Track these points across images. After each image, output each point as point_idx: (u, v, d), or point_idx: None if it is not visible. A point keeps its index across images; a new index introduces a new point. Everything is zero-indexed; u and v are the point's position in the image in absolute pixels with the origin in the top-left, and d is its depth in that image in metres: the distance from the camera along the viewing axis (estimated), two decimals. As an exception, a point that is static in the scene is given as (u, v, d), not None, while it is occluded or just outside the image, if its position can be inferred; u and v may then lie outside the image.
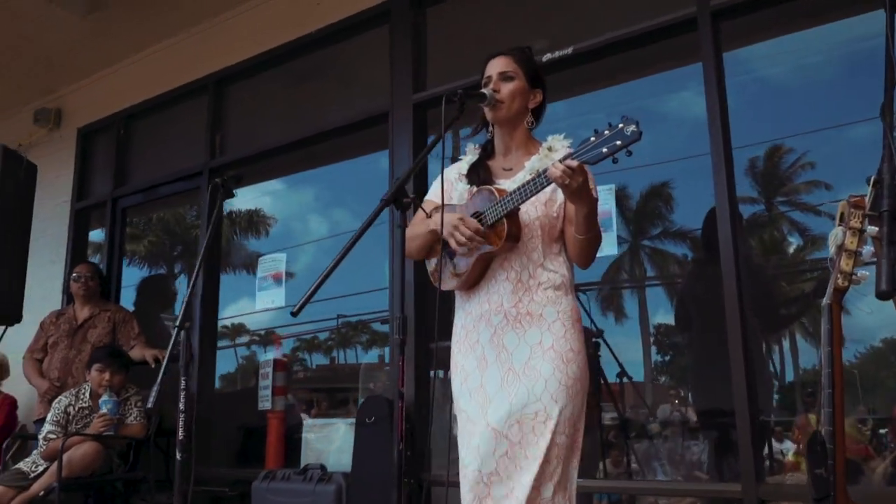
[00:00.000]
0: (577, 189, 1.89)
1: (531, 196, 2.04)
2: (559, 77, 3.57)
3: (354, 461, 3.57)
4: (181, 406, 2.69)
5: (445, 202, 2.29)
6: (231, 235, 5.20)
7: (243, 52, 4.72)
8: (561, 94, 3.74)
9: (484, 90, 2.23)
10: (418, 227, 2.22)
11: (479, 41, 3.91)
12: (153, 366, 4.58)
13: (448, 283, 2.28)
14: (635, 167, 3.20)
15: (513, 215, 2.11)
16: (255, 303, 4.59)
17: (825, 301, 1.38)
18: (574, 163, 1.88)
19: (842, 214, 1.40)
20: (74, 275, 4.81)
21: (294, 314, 1.59)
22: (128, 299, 5.41)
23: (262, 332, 4.95)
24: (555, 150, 2.18)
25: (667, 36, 3.26)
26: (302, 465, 3.93)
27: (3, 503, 3.79)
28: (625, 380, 3.73)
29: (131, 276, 5.52)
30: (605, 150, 1.84)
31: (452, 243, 2.07)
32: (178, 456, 2.66)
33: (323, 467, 3.72)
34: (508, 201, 2.07)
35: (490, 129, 2.32)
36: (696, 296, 3.55)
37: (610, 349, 3.69)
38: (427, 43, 4.06)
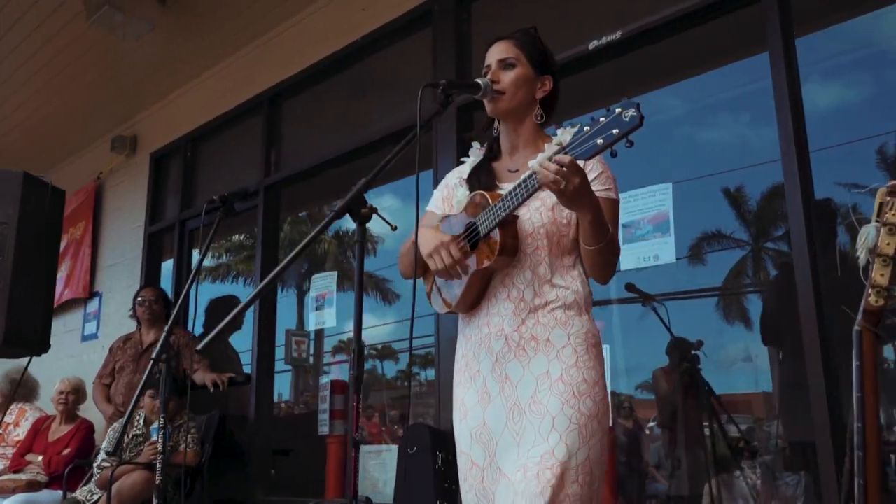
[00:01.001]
0: (574, 192, 1.55)
1: (524, 200, 1.71)
2: (612, 68, 3.22)
3: (396, 494, 3.31)
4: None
5: (447, 211, 2.01)
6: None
7: (294, 65, 4.60)
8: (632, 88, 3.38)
9: (479, 80, 1.93)
10: (410, 240, 1.94)
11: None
12: (212, 390, 4.51)
13: (441, 307, 1.99)
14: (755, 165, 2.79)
15: (507, 224, 1.78)
16: (308, 323, 4.43)
17: (855, 326, 0.99)
18: (566, 158, 1.55)
19: (879, 206, 1.00)
20: (139, 299, 4.83)
21: (199, 352, 1.35)
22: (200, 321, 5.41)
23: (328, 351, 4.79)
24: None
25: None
26: (360, 493, 3.72)
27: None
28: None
29: (203, 296, 5.51)
30: (599, 140, 1.49)
31: (432, 265, 1.78)
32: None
33: (368, 499, 3.48)
34: (500, 208, 1.76)
35: (496, 126, 2.01)
36: (779, 308, 3.08)
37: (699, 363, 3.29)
38: (472, 41, 3.78)
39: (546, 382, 1.73)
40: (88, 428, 5.07)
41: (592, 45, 3.14)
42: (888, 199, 0.98)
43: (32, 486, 4.66)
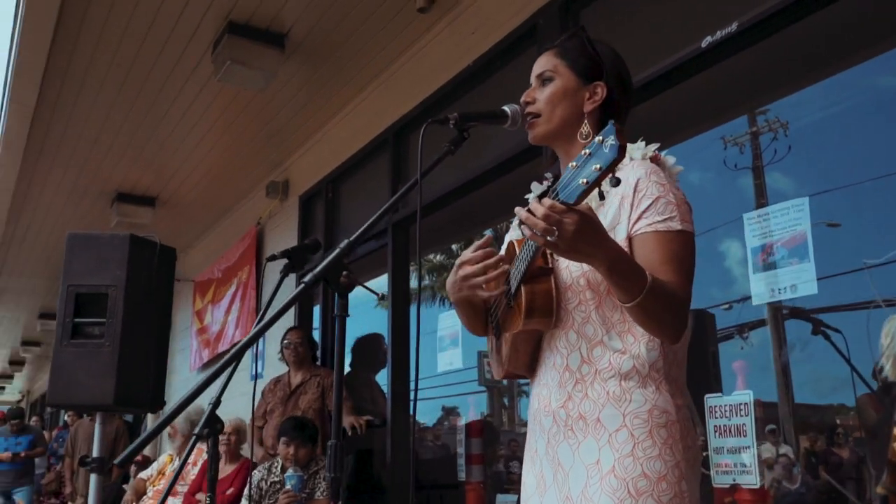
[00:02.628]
0: (570, 243, 1.23)
1: (536, 251, 1.41)
2: (732, 67, 2.74)
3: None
4: None
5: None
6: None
7: (414, 98, 4.49)
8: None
9: (507, 106, 1.65)
10: None
11: (647, 32, 3.18)
12: (350, 433, 4.46)
13: (496, 371, 1.72)
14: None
15: (538, 278, 1.48)
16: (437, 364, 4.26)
17: None
18: (546, 202, 1.22)
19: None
20: (285, 342, 4.93)
21: (118, 465, 1.19)
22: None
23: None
24: (620, 168, 1.50)
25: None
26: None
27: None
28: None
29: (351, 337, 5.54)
30: (582, 181, 1.16)
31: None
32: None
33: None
34: (522, 259, 1.47)
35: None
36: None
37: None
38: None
39: (597, 475, 1.40)
40: (248, 468, 5.24)
41: (706, 42, 2.69)
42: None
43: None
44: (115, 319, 2.96)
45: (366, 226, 1.46)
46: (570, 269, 1.48)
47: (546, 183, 1.72)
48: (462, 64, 4.10)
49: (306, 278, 1.37)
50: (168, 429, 6.01)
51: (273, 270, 5.91)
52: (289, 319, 5.69)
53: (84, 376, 2.89)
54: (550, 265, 1.50)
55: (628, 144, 1.54)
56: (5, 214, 6.90)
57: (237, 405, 5.83)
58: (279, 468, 4.12)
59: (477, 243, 1.56)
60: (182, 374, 8.15)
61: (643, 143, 1.58)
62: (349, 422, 4.44)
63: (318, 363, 5.13)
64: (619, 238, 1.43)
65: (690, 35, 2.78)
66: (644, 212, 1.42)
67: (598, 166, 1.14)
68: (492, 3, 3.89)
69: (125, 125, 5.46)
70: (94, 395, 2.88)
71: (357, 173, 5.28)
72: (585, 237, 1.22)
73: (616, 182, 1.15)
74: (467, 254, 1.54)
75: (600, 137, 1.15)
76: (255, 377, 3.85)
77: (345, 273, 1.36)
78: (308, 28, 4.32)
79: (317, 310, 5.55)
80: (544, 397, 1.52)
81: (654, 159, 1.55)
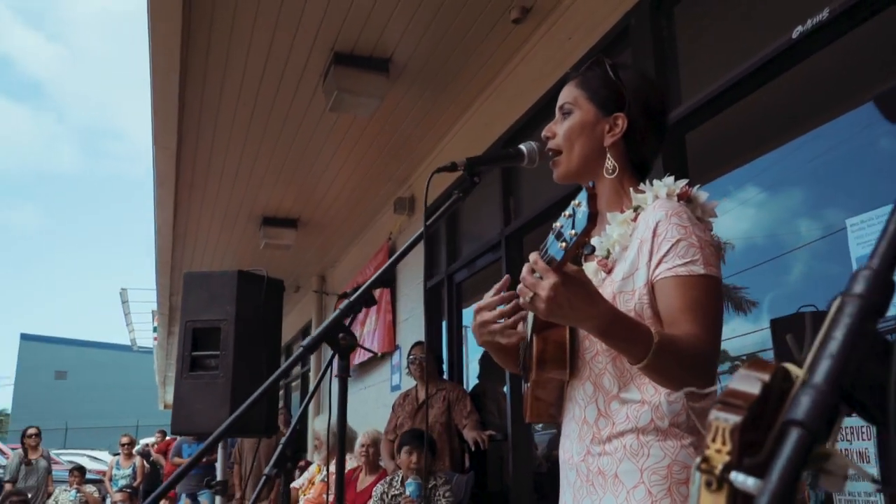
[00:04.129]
0: (549, 306, 1.16)
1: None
2: (827, 58, 2.48)
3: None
4: None
5: None
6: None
7: (519, 108, 4.45)
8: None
9: (522, 145, 1.60)
10: None
11: (741, 26, 2.96)
12: (473, 448, 4.49)
13: (524, 415, 1.67)
14: None
15: (550, 327, 1.43)
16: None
17: None
18: (532, 257, 1.18)
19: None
20: (410, 357, 5.04)
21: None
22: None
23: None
24: (644, 207, 1.43)
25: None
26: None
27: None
28: None
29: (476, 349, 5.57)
30: (561, 244, 1.10)
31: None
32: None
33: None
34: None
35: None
36: None
37: None
38: (677, 51, 3.25)
39: None
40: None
41: (796, 32, 2.46)
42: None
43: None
44: (228, 351, 3.16)
45: (365, 286, 1.45)
46: None
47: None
48: (563, 70, 3.99)
49: (305, 341, 1.39)
50: (314, 440, 6.34)
51: (406, 285, 6.06)
52: (417, 333, 5.82)
53: (202, 406, 3.11)
54: None
55: (655, 181, 1.45)
56: (170, 243, 7.57)
57: (379, 417, 6.06)
58: (399, 481, 4.22)
59: (495, 286, 1.52)
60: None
61: (671, 178, 1.45)
62: (472, 436, 4.47)
63: (445, 377, 5.20)
64: (639, 285, 1.34)
65: (785, 25, 2.55)
66: (664, 256, 1.32)
67: (573, 231, 1.08)
68: (584, 8, 3.78)
69: (260, 156, 5.82)
70: (211, 424, 3.08)
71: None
72: (568, 301, 1.15)
73: (591, 249, 1.09)
74: (486, 298, 1.51)
75: (577, 201, 1.09)
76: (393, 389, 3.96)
77: (342, 335, 1.37)
78: (410, 51, 4.40)
79: (445, 324, 5.63)
80: (567, 450, 1.46)
81: (684, 196, 1.43)
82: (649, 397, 1.33)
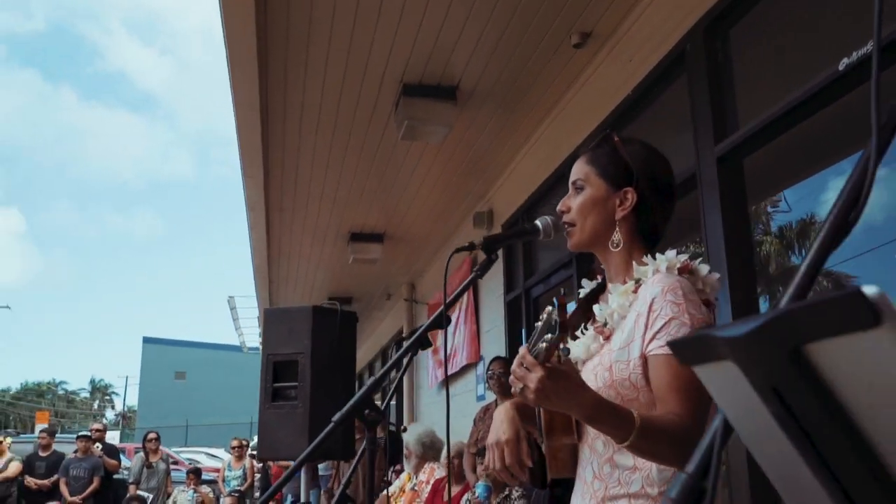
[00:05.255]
0: (536, 397, 1.27)
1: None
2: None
3: None
4: None
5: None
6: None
7: (586, 128, 4.49)
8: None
9: (539, 220, 1.70)
10: None
11: (798, 48, 2.91)
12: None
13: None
14: None
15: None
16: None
17: None
18: (521, 351, 1.29)
19: None
20: (489, 372, 5.17)
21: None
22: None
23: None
24: (645, 280, 1.50)
25: None
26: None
27: None
28: None
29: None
30: (543, 344, 1.22)
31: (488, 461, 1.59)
32: None
33: None
34: None
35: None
36: None
37: None
38: (733, 77, 3.23)
39: None
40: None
41: (843, 64, 2.42)
42: None
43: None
44: (305, 383, 3.37)
45: (390, 363, 1.59)
46: (588, 383, 1.50)
47: (595, 281, 1.73)
48: (625, 91, 4.03)
49: (335, 417, 1.54)
50: (405, 450, 6.57)
51: (488, 298, 6.17)
52: (499, 344, 5.94)
53: (283, 434, 3.34)
54: None
55: (658, 255, 1.52)
56: (265, 260, 8.00)
57: (465, 427, 6.22)
58: (476, 493, 4.35)
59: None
60: (424, 391, 8.80)
61: (674, 252, 1.52)
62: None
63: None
64: (634, 355, 1.43)
65: (834, 56, 2.52)
66: (657, 332, 1.40)
67: (548, 336, 1.20)
68: (643, 31, 3.79)
69: (342, 180, 6.09)
70: (292, 451, 3.31)
71: (545, 202, 5.37)
72: (555, 392, 1.26)
73: (567, 352, 1.21)
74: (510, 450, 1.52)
75: (550, 309, 1.20)
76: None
77: (367, 411, 1.51)
78: (475, 79, 4.52)
79: (524, 336, 5.72)
80: None
81: (685, 269, 1.50)
82: (641, 464, 1.41)
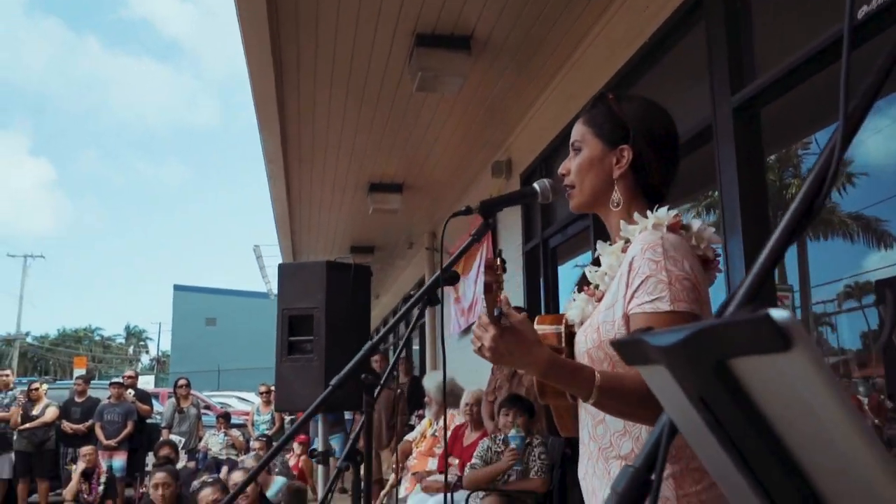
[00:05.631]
0: (492, 354, 1.32)
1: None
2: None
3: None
4: None
5: None
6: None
7: (602, 77, 4.41)
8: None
9: (536, 182, 1.69)
10: None
11: None
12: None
13: None
14: None
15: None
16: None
17: None
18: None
19: None
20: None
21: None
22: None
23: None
24: (633, 240, 1.48)
25: None
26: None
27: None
28: None
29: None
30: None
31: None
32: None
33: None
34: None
35: None
36: None
37: None
38: (752, 27, 3.13)
39: None
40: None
41: (862, 12, 2.34)
42: None
43: (451, 487, 5.42)
44: (320, 336, 3.44)
45: (391, 324, 1.62)
46: (578, 345, 1.51)
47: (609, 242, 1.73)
48: (642, 39, 3.94)
49: (333, 380, 1.57)
50: (426, 397, 6.69)
51: (506, 248, 6.19)
52: (517, 294, 5.97)
53: (299, 386, 3.42)
54: (563, 344, 1.54)
55: (649, 213, 1.49)
56: (286, 211, 8.05)
57: (483, 375, 6.31)
58: (502, 440, 4.43)
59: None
60: (447, 338, 8.91)
61: (666, 209, 1.49)
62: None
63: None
64: (618, 316, 1.41)
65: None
66: (636, 291, 1.37)
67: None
68: (659, -24, 3.68)
69: (359, 131, 6.07)
70: (308, 402, 3.38)
71: (563, 151, 5.30)
72: (508, 351, 1.30)
73: (499, 312, 1.25)
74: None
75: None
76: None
77: (364, 375, 1.54)
78: (489, 27, 4.44)
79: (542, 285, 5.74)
80: (582, 468, 1.57)
81: (675, 226, 1.47)
82: (630, 427, 1.41)
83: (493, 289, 1.29)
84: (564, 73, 4.91)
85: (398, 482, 6.23)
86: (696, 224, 1.48)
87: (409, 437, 6.69)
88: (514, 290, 6.23)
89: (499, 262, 1.34)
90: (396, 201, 7.62)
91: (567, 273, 5.50)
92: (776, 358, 0.40)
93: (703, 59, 3.31)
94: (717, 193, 3.22)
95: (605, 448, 1.45)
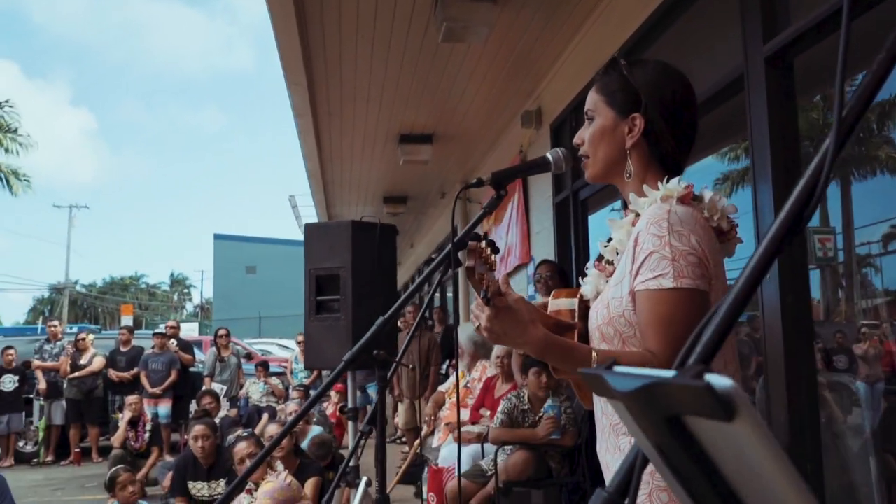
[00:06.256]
0: (489, 333, 1.33)
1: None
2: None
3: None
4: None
5: None
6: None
7: (631, 25, 4.27)
8: None
9: (549, 152, 1.66)
10: None
11: None
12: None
13: None
14: None
15: (566, 332, 1.55)
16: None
17: None
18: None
19: None
20: (536, 275, 5.20)
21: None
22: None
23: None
24: (642, 213, 1.44)
25: None
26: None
27: (467, 496, 4.45)
28: None
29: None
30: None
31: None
32: None
33: None
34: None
35: None
36: None
37: None
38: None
39: None
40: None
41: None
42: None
43: (482, 438, 5.51)
44: (347, 296, 3.47)
45: (401, 301, 1.61)
46: (591, 320, 1.50)
47: (623, 213, 1.70)
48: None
49: (346, 356, 1.59)
50: (458, 348, 6.74)
51: (536, 199, 6.13)
52: (549, 246, 5.93)
53: (327, 345, 3.48)
54: (577, 320, 1.53)
55: (660, 184, 1.45)
56: (318, 165, 8.06)
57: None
58: (526, 398, 4.47)
59: None
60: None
61: (677, 180, 1.44)
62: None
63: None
64: (625, 292, 1.38)
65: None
66: (640, 267, 1.34)
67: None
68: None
69: (387, 83, 6.00)
70: (337, 361, 3.43)
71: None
72: (502, 330, 1.31)
73: (484, 294, 1.25)
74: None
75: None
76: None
77: (375, 352, 1.55)
78: (515, -26, 4.31)
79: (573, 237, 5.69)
80: (597, 441, 1.58)
81: (686, 198, 1.42)
82: None
83: (474, 272, 1.29)
84: (593, 20, 4.77)
85: (431, 432, 6.35)
86: (708, 194, 1.44)
87: (442, 387, 6.79)
88: (544, 242, 6.20)
89: (483, 245, 1.33)
90: (427, 152, 7.57)
91: (598, 223, 5.44)
92: (721, 424, 0.39)
93: (735, 6, 3.18)
94: (746, 144, 3.13)
95: (615, 424, 1.45)
